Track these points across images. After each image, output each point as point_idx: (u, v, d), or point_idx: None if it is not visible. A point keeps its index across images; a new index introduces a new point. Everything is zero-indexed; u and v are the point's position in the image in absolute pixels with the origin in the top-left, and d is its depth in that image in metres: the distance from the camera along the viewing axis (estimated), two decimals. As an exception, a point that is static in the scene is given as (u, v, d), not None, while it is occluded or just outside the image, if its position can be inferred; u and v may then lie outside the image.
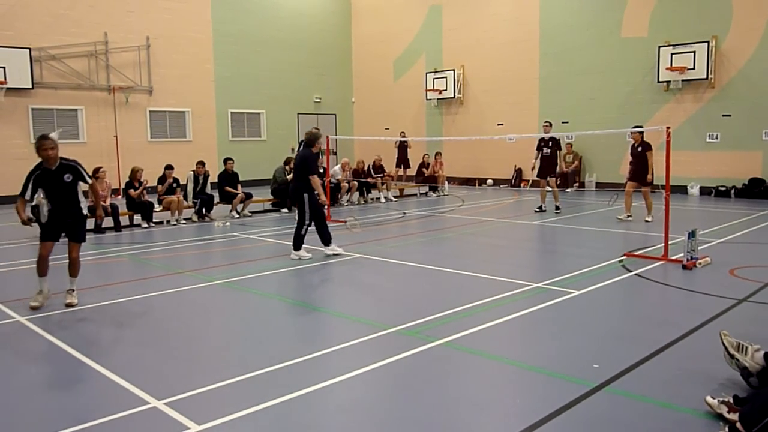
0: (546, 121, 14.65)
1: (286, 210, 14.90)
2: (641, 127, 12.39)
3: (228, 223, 12.97)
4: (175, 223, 13.08)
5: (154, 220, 12.94)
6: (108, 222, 12.08)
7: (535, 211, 14.11)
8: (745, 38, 16.50)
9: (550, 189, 14.24)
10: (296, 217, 9.24)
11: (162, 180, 13.41)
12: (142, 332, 5.75)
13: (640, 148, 12.07)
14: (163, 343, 5.47)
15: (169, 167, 13.54)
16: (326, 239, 9.26)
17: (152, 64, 20.31)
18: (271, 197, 15.43)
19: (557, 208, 14.11)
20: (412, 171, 20.58)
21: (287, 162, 15.29)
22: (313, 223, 9.11)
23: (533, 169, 14.36)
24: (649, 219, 12.11)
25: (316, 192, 8.94)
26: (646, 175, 12.01)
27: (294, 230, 9.09)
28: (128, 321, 6.07)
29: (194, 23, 21.33)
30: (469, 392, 4.26)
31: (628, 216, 12.33)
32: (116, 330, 5.85)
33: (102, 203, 12.17)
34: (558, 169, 14.50)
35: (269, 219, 13.95)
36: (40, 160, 6.43)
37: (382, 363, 4.73)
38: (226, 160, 14.72)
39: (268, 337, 5.61)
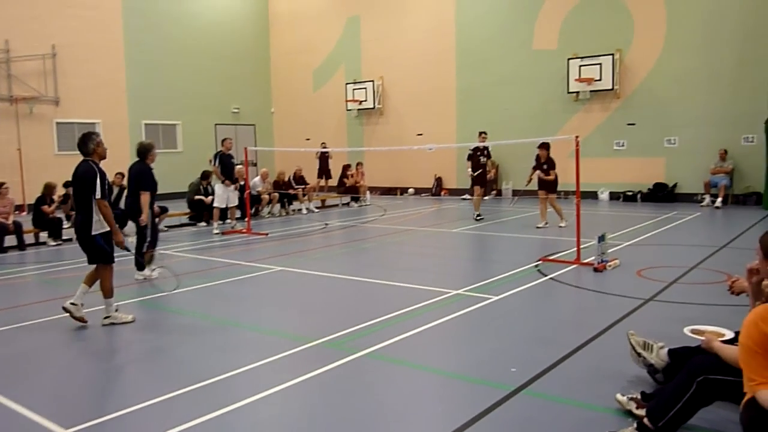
0: (483, 132, 14.82)
1: (204, 223, 14.55)
2: (547, 144, 12.74)
3: (143, 239, 12.51)
4: (86, 239, 12.51)
5: (63, 237, 12.35)
6: (11, 240, 11.44)
7: (476, 220, 14.02)
8: (647, 51, 17.49)
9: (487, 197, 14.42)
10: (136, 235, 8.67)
11: (66, 198, 12.81)
12: (49, 357, 5.45)
13: (545, 166, 12.55)
14: (71, 368, 5.20)
15: (68, 184, 12.95)
16: (142, 263, 8.62)
17: (59, 74, 19.43)
18: (188, 210, 15.05)
19: (479, 216, 14.34)
20: (334, 181, 20.58)
21: (204, 176, 14.97)
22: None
23: (472, 176, 14.31)
24: (563, 224, 12.57)
25: (149, 215, 8.38)
26: (552, 185, 12.53)
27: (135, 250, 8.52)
28: (33, 346, 5.74)
29: (105, 31, 20.59)
30: (391, 402, 4.27)
31: (546, 223, 12.74)
32: (21, 356, 5.51)
33: (4, 220, 11.52)
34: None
35: (186, 233, 13.58)
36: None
37: (304, 377, 4.67)
38: (140, 173, 14.21)
39: (184, 357, 5.44)
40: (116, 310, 6.30)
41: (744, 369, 3.01)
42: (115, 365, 5.20)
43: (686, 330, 3.72)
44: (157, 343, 5.86)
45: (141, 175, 8.38)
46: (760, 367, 2.93)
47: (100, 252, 6.22)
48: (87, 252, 6.27)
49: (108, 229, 6.21)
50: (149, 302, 7.29)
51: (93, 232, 6.14)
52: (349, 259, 10.33)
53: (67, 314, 6.22)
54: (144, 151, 8.49)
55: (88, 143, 6.21)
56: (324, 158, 20.65)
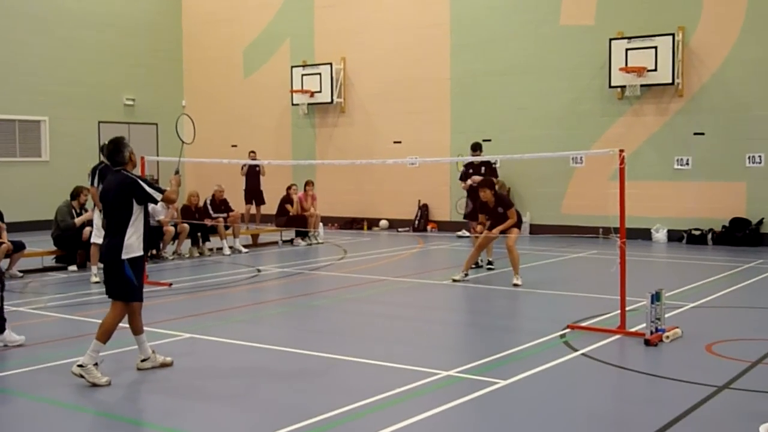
0: (477, 143, 14.87)
1: (74, 267, 14.34)
2: (490, 182, 12.57)
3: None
4: None
5: None
6: None
7: (489, 268, 13.95)
8: (720, 32, 17.89)
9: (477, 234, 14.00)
10: None
11: None
12: None
13: (500, 209, 12.33)
14: None
15: None
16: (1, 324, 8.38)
17: None
18: (54, 248, 14.83)
19: (490, 262, 14.14)
20: (271, 208, 20.47)
21: (75, 195, 14.69)
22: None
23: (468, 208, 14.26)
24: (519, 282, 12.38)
25: None
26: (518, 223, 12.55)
27: None
28: None
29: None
30: None
31: (466, 274, 12.75)
32: None
33: None
34: None
35: (51, 281, 13.39)
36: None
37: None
38: (-17, 193, 14.07)
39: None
40: (95, 364, 6.87)
41: None
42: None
43: (762, 429, 3.75)
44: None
45: None
46: None
47: (124, 284, 7.15)
48: (110, 282, 7.24)
49: (140, 254, 7.28)
50: (-10, 384, 7.13)
51: (123, 256, 7.05)
52: (291, 322, 10.27)
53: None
54: None
55: (123, 151, 7.31)
56: (254, 174, 20.53)
